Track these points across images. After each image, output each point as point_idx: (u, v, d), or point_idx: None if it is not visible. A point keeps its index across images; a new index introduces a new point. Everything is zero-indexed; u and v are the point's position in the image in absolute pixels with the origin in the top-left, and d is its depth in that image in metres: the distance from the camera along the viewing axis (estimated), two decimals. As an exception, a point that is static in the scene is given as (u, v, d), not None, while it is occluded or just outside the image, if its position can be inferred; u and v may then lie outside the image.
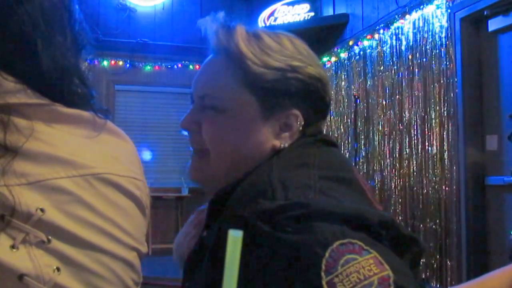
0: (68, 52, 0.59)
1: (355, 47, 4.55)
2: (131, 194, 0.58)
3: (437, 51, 3.59)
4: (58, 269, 0.49)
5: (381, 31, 4.19)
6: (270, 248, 0.65)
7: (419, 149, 3.74)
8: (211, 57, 0.88)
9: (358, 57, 4.54)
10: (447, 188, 3.50)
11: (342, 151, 4.65)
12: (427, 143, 3.67)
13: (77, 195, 0.52)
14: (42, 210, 0.49)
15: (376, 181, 4.20)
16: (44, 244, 0.49)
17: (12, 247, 0.48)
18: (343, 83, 4.82)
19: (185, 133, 0.89)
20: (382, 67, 4.19)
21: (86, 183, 0.53)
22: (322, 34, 4.94)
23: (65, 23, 0.59)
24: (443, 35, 3.54)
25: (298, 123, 0.83)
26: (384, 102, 4.16)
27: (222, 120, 0.83)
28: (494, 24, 3.28)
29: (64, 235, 0.50)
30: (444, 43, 3.53)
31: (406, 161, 3.88)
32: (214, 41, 0.85)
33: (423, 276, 3.52)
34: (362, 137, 4.46)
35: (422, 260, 0.75)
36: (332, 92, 4.93)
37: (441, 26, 3.56)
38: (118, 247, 0.55)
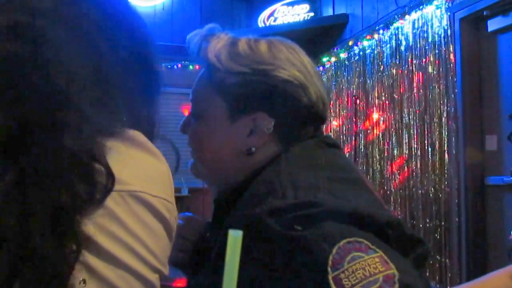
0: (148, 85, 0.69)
1: (355, 47, 4.55)
2: (161, 216, 0.58)
3: (437, 51, 3.59)
4: (84, 281, 0.49)
5: (381, 31, 4.19)
6: (279, 245, 0.66)
7: (419, 149, 3.74)
8: None
9: (357, 57, 4.54)
10: (447, 188, 3.50)
11: (343, 152, 4.65)
12: (426, 143, 3.67)
13: (111, 209, 0.52)
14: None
15: (376, 181, 4.20)
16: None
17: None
18: (343, 83, 4.82)
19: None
20: (381, 67, 4.20)
21: (121, 199, 0.53)
22: (321, 34, 4.95)
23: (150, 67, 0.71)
24: (443, 35, 3.54)
25: (266, 127, 0.83)
26: (384, 102, 4.17)
27: (199, 124, 0.89)
28: (493, 24, 3.28)
29: (94, 248, 0.50)
30: (443, 43, 3.53)
31: (406, 161, 3.88)
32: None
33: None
34: (362, 137, 4.47)
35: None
36: (332, 92, 4.94)
37: (440, 27, 3.57)
38: (143, 267, 0.55)
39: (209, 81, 0.87)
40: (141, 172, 0.57)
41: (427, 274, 3.54)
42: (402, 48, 3.94)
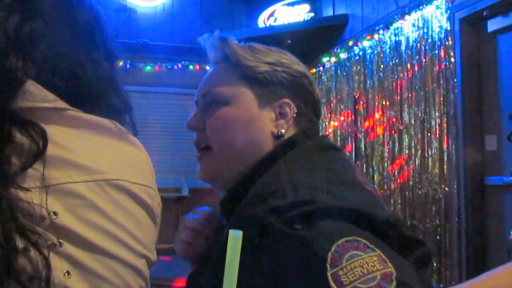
0: (104, 67, 0.64)
1: (355, 47, 4.56)
2: (142, 202, 0.58)
3: (437, 51, 3.60)
4: (68, 272, 0.50)
5: (381, 31, 4.20)
6: (280, 243, 0.68)
7: (419, 149, 3.75)
8: (212, 68, 0.99)
9: (357, 57, 4.55)
10: (446, 188, 3.50)
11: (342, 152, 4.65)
12: (426, 143, 3.67)
13: (90, 200, 0.52)
14: (55, 213, 0.50)
15: (376, 181, 4.21)
16: (55, 247, 0.49)
17: (24, 249, 0.48)
18: (343, 83, 4.83)
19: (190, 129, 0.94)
20: (381, 68, 4.20)
21: (99, 189, 0.53)
22: (322, 34, 4.95)
23: (99, 40, 0.66)
24: (443, 35, 3.54)
25: (292, 111, 0.92)
26: (384, 102, 4.17)
27: (223, 111, 0.91)
28: (493, 25, 3.29)
29: (76, 239, 0.51)
30: (443, 43, 3.54)
31: (406, 161, 3.88)
32: (213, 53, 0.97)
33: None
34: (362, 137, 4.47)
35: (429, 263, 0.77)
36: (332, 92, 4.94)
37: (440, 27, 3.57)
38: (128, 254, 0.55)
39: (234, 70, 0.93)
40: (118, 161, 0.58)
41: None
42: (402, 48, 3.94)
